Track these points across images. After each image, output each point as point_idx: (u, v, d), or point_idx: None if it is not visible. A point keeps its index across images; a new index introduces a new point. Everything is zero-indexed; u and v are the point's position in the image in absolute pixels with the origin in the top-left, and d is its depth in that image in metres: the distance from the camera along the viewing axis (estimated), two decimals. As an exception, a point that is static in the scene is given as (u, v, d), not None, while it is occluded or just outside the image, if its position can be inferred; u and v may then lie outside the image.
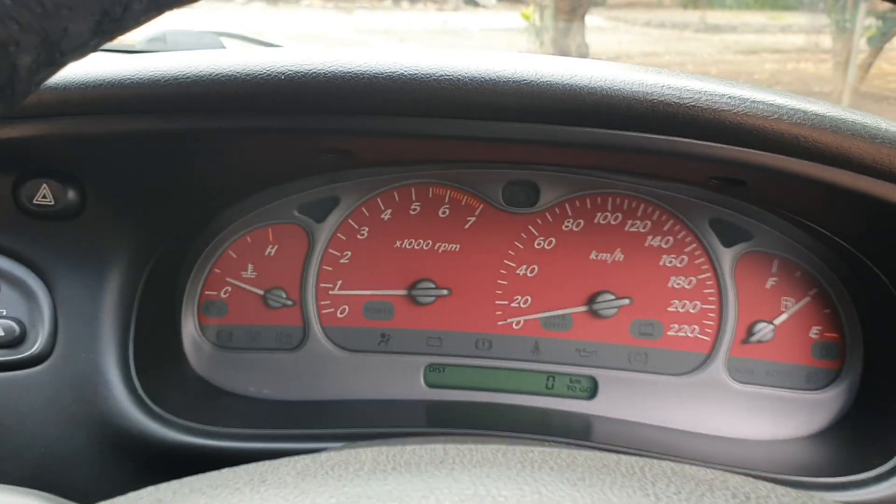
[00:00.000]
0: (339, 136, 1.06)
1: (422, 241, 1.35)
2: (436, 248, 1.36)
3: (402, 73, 0.95)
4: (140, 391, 1.17)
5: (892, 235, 1.15)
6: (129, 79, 0.99)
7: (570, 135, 0.99)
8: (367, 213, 1.35)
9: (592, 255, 1.34)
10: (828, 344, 1.32)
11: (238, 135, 1.07)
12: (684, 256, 1.33)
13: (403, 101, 0.97)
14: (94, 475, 1.17)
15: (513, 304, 1.36)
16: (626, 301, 1.34)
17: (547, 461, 0.56)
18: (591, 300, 1.34)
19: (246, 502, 0.49)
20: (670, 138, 0.97)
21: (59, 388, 1.14)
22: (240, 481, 0.53)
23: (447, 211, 1.35)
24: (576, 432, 1.28)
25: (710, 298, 1.33)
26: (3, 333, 1.14)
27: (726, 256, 1.32)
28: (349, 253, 1.36)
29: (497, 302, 1.36)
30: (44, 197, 1.11)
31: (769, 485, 0.55)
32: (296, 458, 0.57)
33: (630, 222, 1.33)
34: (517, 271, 1.35)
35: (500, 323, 1.36)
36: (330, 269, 1.36)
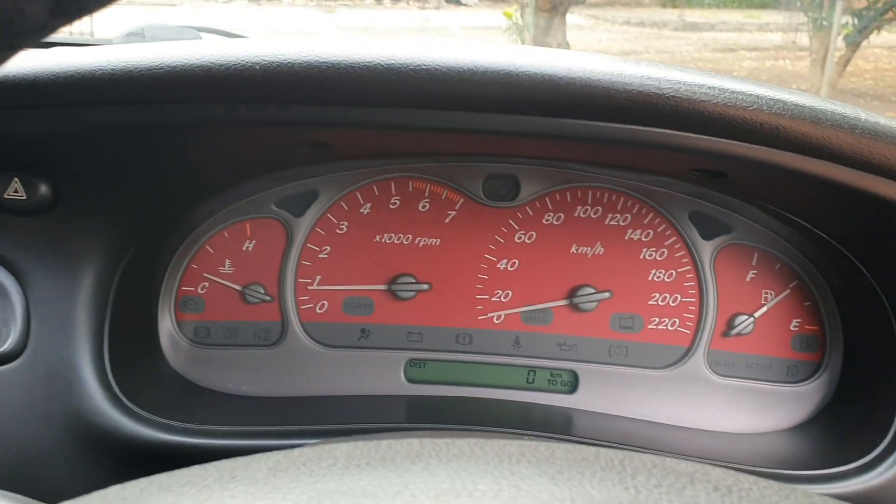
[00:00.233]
0: (315, 128, 1.05)
1: (402, 236, 1.34)
2: (416, 242, 1.34)
3: (379, 64, 0.94)
4: (115, 388, 1.14)
5: (871, 226, 1.15)
6: (100, 69, 0.97)
7: (549, 126, 0.98)
8: (346, 208, 1.34)
9: (573, 249, 1.34)
10: (808, 336, 1.32)
11: (213, 127, 1.05)
12: (664, 249, 1.33)
13: (380, 92, 0.96)
14: (69, 474, 1.14)
15: (493, 299, 1.35)
16: (607, 294, 1.33)
17: (525, 455, 0.55)
18: (571, 294, 1.34)
19: (215, 499, 0.48)
20: (650, 129, 0.97)
21: (32, 386, 1.12)
22: (209, 478, 0.51)
23: (427, 205, 1.34)
24: (557, 426, 1.27)
25: (690, 291, 1.33)
26: (-27, 331, 1.11)
27: (706, 249, 1.32)
28: (328, 247, 1.34)
29: (477, 296, 1.35)
30: (15, 191, 1.09)
31: (751, 477, 0.54)
32: (268, 453, 0.55)
33: (610, 216, 1.33)
34: (498, 265, 1.34)
35: (480, 317, 1.35)
36: (309, 263, 1.35)
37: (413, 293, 1.35)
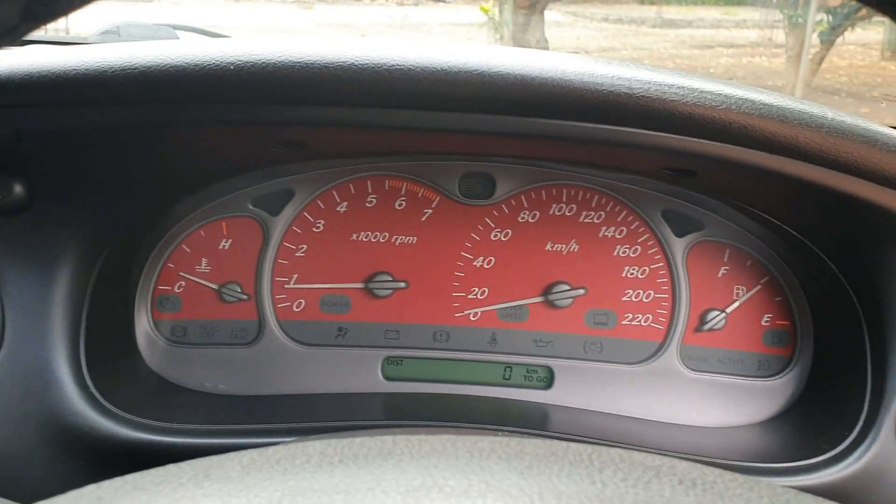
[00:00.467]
0: (290, 127, 1.05)
1: (378, 234, 1.35)
2: (393, 240, 1.35)
3: (353, 63, 0.95)
4: (91, 388, 1.14)
5: (839, 223, 1.17)
6: (74, 69, 0.97)
7: (523, 126, 0.99)
8: (322, 206, 1.34)
9: (548, 247, 1.35)
10: (779, 331, 1.34)
11: (188, 127, 1.05)
12: (637, 246, 1.34)
13: (355, 91, 0.96)
14: (45, 474, 1.14)
15: (470, 296, 1.36)
16: (582, 291, 1.35)
17: (496, 450, 0.56)
18: (546, 291, 1.35)
19: (189, 498, 0.48)
20: (621, 129, 0.98)
21: (8, 386, 1.12)
22: (183, 476, 0.52)
23: (404, 203, 1.35)
24: (533, 422, 1.29)
25: (663, 288, 1.35)
26: (-53, 331, 1.11)
27: (678, 246, 1.33)
28: (305, 246, 1.35)
29: (454, 294, 1.36)
30: (-11, 191, 1.09)
31: (716, 470, 0.55)
32: (242, 452, 0.56)
33: (584, 213, 1.34)
34: (474, 263, 1.35)
35: (457, 315, 1.36)
36: (285, 262, 1.35)
37: (390, 291, 1.35)
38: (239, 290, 1.35)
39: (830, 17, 8.97)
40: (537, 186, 1.34)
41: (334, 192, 1.34)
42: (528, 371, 1.36)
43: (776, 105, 0.98)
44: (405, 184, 1.34)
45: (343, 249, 1.35)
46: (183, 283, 1.35)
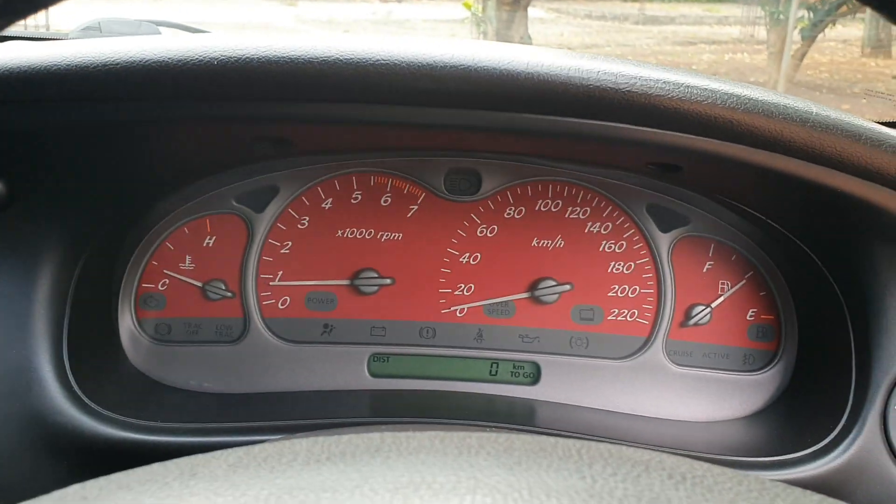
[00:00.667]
0: (274, 123, 1.04)
1: (364, 231, 1.34)
2: (378, 237, 1.35)
3: (338, 59, 0.94)
4: (75, 387, 1.13)
5: (824, 217, 1.17)
6: (55, 65, 0.95)
7: (509, 121, 0.99)
8: (307, 203, 1.33)
9: (534, 242, 1.35)
10: (764, 326, 1.35)
11: (171, 123, 1.04)
12: (623, 242, 1.35)
13: (339, 87, 0.95)
14: (29, 475, 1.13)
15: (456, 292, 1.36)
16: (567, 287, 1.35)
17: (484, 446, 0.56)
18: (532, 287, 1.35)
19: (175, 497, 0.48)
20: (607, 124, 0.98)
21: None
22: (169, 476, 0.51)
23: (389, 199, 1.34)
24: (520, 418, 1.29)
25: (649, 283, 1.35)
26: (-74, 331, 1.09)
27: (663, 241, 1.34)
28: (289, 243, 1.34)
29: (440, 290, 1.36)
30: (-32, 189, 1.07)
31: (705, 464, 0.55)
32: (228, 450, 0.55)
33: (570, 209, 1.34)
34: (460, 259, 1.35)
35: (443, 311, 1.36)
36: (270, 259, 1.34)
37: (376, 288, 1.35)
38: (223, 288, 1.34)
39: (811, 14, 9.04)
40: (523, 182, 1.34)
41: (319, 189, 1.33)
42: (514, 367, 1.36)
43: (761, 100, 0.98)
44: (390, 180, 1.34)
45: (328, 246, 1.34)
46: (167, 280, 1.34)
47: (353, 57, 0.94)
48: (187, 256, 1.34)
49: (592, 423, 1.29)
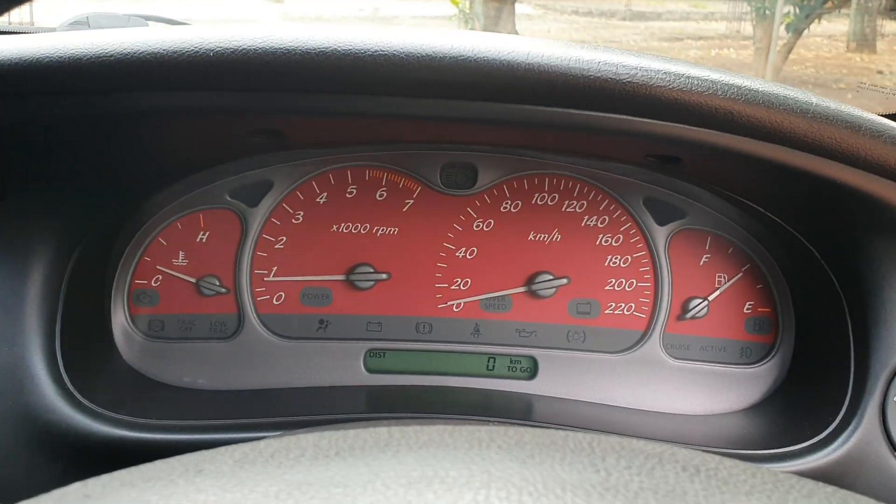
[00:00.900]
0: (270, 115, 1.03)
1: (359, 225, 1.33)
2: (374, 231, 1.33)
3: (336, 50, 0.93)
4: (68, 385, 1.12)
5: (822, 208, 1.17)
6: (47, 57, 0.94)
7: (508, 113, 0.98)
8: (301, 197, 1.32)
9: (530, 236, 1.34)
10: (761, 319, 1.35)
11: (165, 116, 1.02)
12: (620, 235, 1.34)
13: (337, 78, 0.94)
14: (23, 474, 1.11)
15: (452, 287, 1.35)
16: (564, 281, 1.34)
17: (495, 440, 0.55)
18: (529, 281, 1.34)
19: (181, 494, 0.47)
20: (608, 115, 0.97)
21: None
22: (174, 473, 0.50)
23: (384, 194, 1.33)
24: (517, 412, 1.28)
25: (646, 276, 1.34)
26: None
27: (660, 234, 1.33)
28: (284, 238, 1.33)
29: (437, 285, 1.35)
30: (-42, 184, 1.05)
31: (717, 457, 0.55)
32: (233, 446, 0.54)
33: (567, 202, 1.33)
34: (456, 254, 1.34)
35: (439, 306, 1.35)
36: (264, 254, 1.33)
37: (372, 283, 1.34)
38: (217, 284, 1.32)
39: (797, 9, 9.07)
40: (519, 176, 1.33)
41: (314, 183, 1.32)
42: (511, 361, 1.35)
43: (762, 91, 0.98)
44: (386, 174, 1.33)
45: (323, 241, 1.33)
46: (160, 276, 1.32)
47: (352, 48, 0.93)
48: (180, 252, 1.32)
49: (590, 417, 1.28)
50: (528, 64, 0.94)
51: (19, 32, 1.55)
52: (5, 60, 0.94)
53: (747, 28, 10.94)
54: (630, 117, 0.98)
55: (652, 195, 1.33)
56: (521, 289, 1.35)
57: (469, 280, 1.35)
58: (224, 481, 0.48)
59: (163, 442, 1.13)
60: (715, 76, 0.98)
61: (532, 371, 1.35)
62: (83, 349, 1.18)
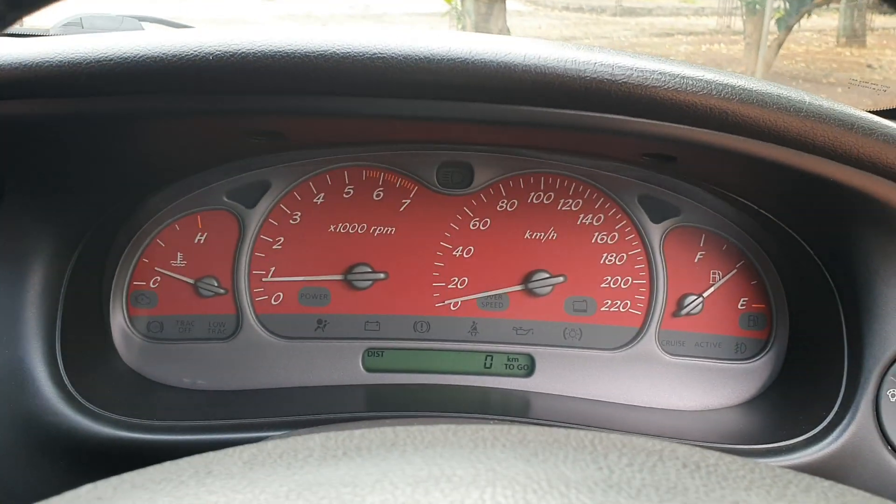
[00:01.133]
0: (268, 117, 1.03)
1: (356, 225, 1.34)
2: (371, 231, 1.34)
3: (334, 52, 0.93)
4: (69, 386, 1.12)
5: (815, 206, 1.18)
6: (47, 61, 0.94)
7: (505, 113, 0.99)
8: (299, 198, 1.33)
9: (527, 235, 1.35)
10: (755, 314, 1.36)
11: (163, 118, 1.03)
12: (615, 233, 1.35)
13: (336, 80, 0.95)
14: (24, 476, 1.12)
15: (450, 286, 1.36)
16: (561, 279, 1.35)
17: (499, 438, 0.56)
18: (526, 279, 1.35)
19: (192, 496, 0.47)
20: (604, 115, 0.98)
21: None
22: (184, 474, 0.51)
23: (381, 194, 1.34)
24: (515, 410, 1.29)
25: (641, 273, 1.36)
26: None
27: (655, 232, 1.34)
28: (282, 239, 1.33)
29: (434, 284, 1.36)
30: (-44, 188, 1.05)
31: (716, 453, 0.56)
32: (241, 447, 0.55)
33: (562, 201, 1.34)
34: (453, 252, 1.35)
35: (437, 305, 1.36)
36: (262, 255, 1.33)
37: (369, 282, 1.34)
38: (216, 285, 1.33)
39: (787, 4, 9.10)
40: (515, 175, 1.34)
41: (311, 184, 1.33)
42: (508, 359, 1.36)
43: (756, 90, 0.99)
44: (383, 174, 1.33)
45: (321, 241, 1.34)
46: (158, 278, 1.33)
47: (350, 50, 0.93)
48: (179, 253, 1.33)
49: (587, 413, 1.29)
50: (525, 65, 0.95)
51: (13, 34, 1.54)
52: (5, 65, 0.94)
53: (738, 23, 10.97)
54: (626, 117, 0.99)
55: (646, 193, 1.34)
56: (518, 287, 1.36)
57: (466, 279, 1.36)
58: (234, 482, 0.49)
59: (163, 442, 1.13)
60: (710, 76, 0.99)
61: (529, 368, 1.36)
62: (83, 351, 1.18)
